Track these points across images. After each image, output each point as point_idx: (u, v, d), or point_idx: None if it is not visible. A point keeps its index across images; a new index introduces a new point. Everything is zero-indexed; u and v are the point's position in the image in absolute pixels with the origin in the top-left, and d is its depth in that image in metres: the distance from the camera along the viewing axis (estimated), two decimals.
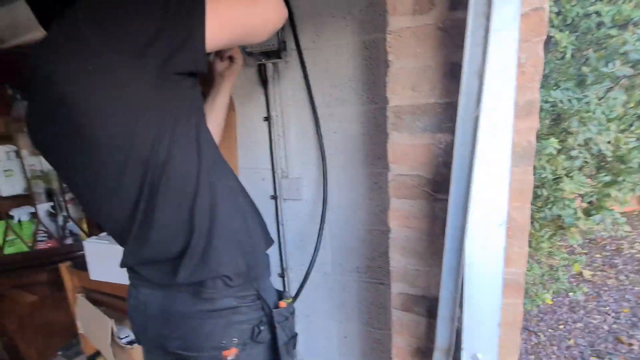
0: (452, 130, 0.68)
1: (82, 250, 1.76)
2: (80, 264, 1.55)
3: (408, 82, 0.71)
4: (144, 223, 0.68)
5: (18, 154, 1.68)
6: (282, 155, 1.40)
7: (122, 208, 0.68)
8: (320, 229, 1.33)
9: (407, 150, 0.75)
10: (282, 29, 1.24)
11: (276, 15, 0.72)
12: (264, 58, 1.27)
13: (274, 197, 1.46)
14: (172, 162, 0.64)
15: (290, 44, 1.25)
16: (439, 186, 0.74)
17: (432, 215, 0.76)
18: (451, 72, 0.68)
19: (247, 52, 1.26)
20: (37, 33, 1.46)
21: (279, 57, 1.25)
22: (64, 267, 1.56)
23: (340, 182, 1.32)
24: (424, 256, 0.79)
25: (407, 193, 0.77)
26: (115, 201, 0.67)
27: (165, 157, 0.63)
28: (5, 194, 1.73)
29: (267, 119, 1.38)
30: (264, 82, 1.33)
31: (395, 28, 0.70)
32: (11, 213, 1.77)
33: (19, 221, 1.76)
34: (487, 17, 0.58)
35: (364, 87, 1.19)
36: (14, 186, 1.78)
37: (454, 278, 0.69)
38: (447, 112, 0.69)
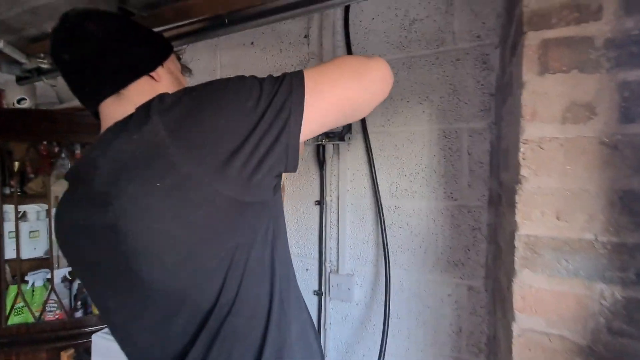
0: (626, 283, 0.47)
1: (90, 327, 1.55)
2: (83, 355, 1.34)
3: (551, 207, 0.53)
4: None
5: (48, 212, 1.59)
6: (332, 245, 1.21)
7: (165, 351, 0.50)
8: (383, 345, 1.07)
9: (546, 298, 0.53)
10: None
11: (385, 87, 0.58)
12: (324, 138, 1.15)
13: (318, 294, 1.23)
14: (239, 302, 0.48)
15: (356, 125, 1.14)
16: None
17: None
18: (622, 202, 0.49)
19: None
20: None
21: (342, 139, 1.13)
22: (65, 357, 1.35)
23: (404, 287, 1.08)
24: None
25: (543, 359, 0.53)
26: (157, 342, 0.50)
27: (233, 296, 0.48)
28: (25, 256, 1.61)
29: (320, 203, 1.21)
30: (320, 162, 1.20)
31: (535, 137, 0.53)
32: (27, 278, 1.63)
33: (32, 286, 1.61)
34: None
35: (440, 180, 1.02)
36: (37, 248, 1.66)
37: None
38: (618, 256, 0.49)
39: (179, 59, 0.77)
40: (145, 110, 0.47)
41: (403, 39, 1.06)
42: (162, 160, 0.44)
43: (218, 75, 1.44)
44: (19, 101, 1.68)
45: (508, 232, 0.63)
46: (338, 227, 1.19)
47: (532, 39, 0.54)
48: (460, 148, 0.99)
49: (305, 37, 1.22)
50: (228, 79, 0.52)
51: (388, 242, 1.09)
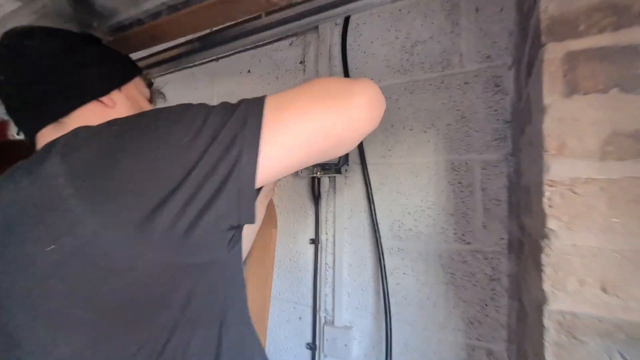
0: None
1: None
2: None
3: (594, 274, 0.38)
4: None
5: None
6: (328, 291, 1.06)
7: None
8: None
9: None
10: None
11: (373, 114, 0.46)
12: (320, 170, 1.04)
13: (312, 348, 1.07)
14: None
15: (354, 157, 1.02)
16: None
17: None
18: None
19: None
20: None
21: (339, 172, 1.01)
22: None
23: (409, 346, 0.91)
24: None
25: None
26: None
27: None
28: None
29: (315, 241, 1.08)
30: (315, 197, 1.08)
31: (564, 178, 0.40)
32: None
33: None
34: None
35: (449, 220, 0.88)
36: None
37: None
38: None
39: (149, 84, 0.70)
40: (49, 147, 0.37)
41: (405, 62, 0.97)
42: (59, 214, 0.33)
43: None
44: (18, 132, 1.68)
45: (534, 300, 0.48)
46: (334, 270, 1.05)
47: (554, 52, 0.42)
48: (473, 183, 0.85)
49: (301, 62, 1.15)
50: (168, 108, 0.42)
51: (390, 290, 0.94)
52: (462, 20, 0.89)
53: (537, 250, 0.44)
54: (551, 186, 0.41)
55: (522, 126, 0.66)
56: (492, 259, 0.82)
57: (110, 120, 0.39)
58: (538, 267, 0.44)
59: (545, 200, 0.41)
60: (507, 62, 0.82)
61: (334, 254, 1.05)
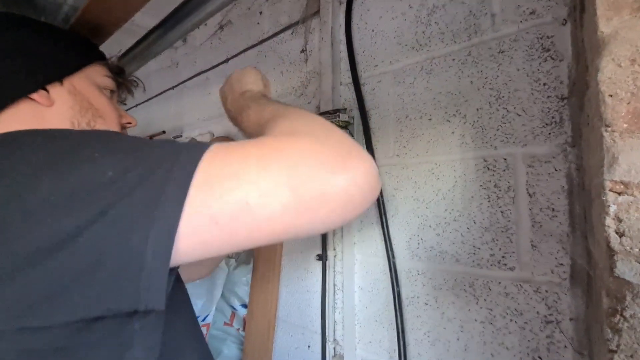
0: None
1: None
2: None
3: None
4: None
5: None
6: (338, 318, 0.89)
7: None
8: None
9: None
10: (352, 136, 0.86)
11: (351, 211, 0.34)
12: None
13: None
14: None
15: None
16: None
17: None
18: None
19: None
20: None
21: None
22: None
23: None
24: None
25: None
26: None
27: None
28: None
29: (322, 257, 0.92)
30: None
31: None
32: None
33: None
34: None
35: (483, 237, 0.65)
36: None
37: None
38: None
39: (119, 72, 0.60)
40: None
41: (420, 36, 0.77)
42: None
43: None
44: None
45: None
46: (343, 292, 0.87)
47: None
48: (515, 185, 0.62)
49: (302, 52, 1.01)
50: (82, 137, 0.33)
51: (408, 325, 0.74)
52: None
53: (602, 314, 0.23)
54: (619, 193, 0.21)
55: (581, 98, 0.43)
56: (547, 294, 0.58)
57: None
58: (603, 336, 0.23)
59: (608, 221, 0.21)
60: (560, 15, 0.59)
61: (342, 273, 0.88)
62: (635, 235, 0.21)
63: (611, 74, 0.22)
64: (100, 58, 0.55)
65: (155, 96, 1.73)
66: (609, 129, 0.22)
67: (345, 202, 0.32)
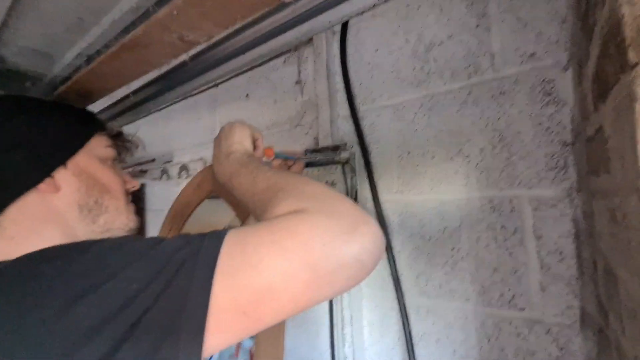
0: None
1: None
2: None
3: None
4: None
5: None
6: (348, 353, 0.89)
7: None
8: None
9: None
10: (354, 171, 0.85)
11: (359, 273, 0.36)
12: None
13: None
14: None
15: (364, 192, 0.84)
16: None
17: None
18: None
19: None
20: None
21: None
22: None
23: None
24: None
25: None
26: None
27: None
28: None
29: None
30: None
31: None
32: None
33: None
34: None
35: (492, 277, 0.66)
36: None
37: None
38: None
39: (116, 136, 0.58)
40: None
41: (418, 72, 0.76)
42: None
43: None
44: None
45: None
46: (352, 327, 0.87)
47: None
48: (522, 228, 0.63)
49: (297, 83, 0.99)
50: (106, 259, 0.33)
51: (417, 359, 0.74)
52: (490, 9, 0.66)
53: None
54: None
55: (594, 167, 0.44)
56: (558, 335, 0.60)
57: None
58: None
59: None
60: (560, 61, 0.59)
61: (350, 309, 0.88)
62: None
63: None
64: (99, 128, 0.53)
65: (142, 117, 1.67)
66: None
67: (359, 268, 0.34)
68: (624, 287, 0.30)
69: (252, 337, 1.13)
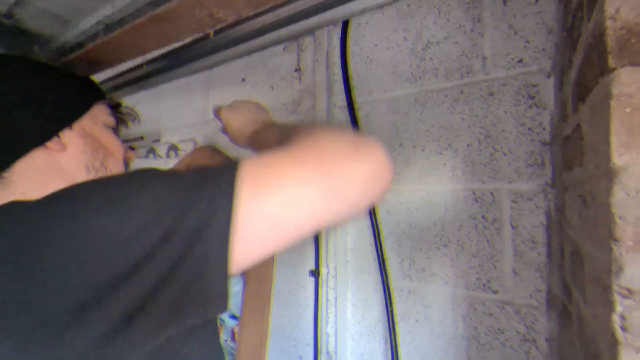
0: None
1: None
2: None
3: None
4: None
5: None
6: (331, 331, 0.94)
7: None
8: None
9: None
10: None
11: (373, 191, 0.37)
12: None
13: None
14: None
15: None
16: None
17: None
18: None
19: None
20: None
21: None
22: None
23: None
24: None
25: None
26: None
27: None
28: None
29: (315, 274, 0.96)
30: None
31: None
32: None
33: None
34: None
35: (470, 262, 0.72)
36: None
37: None
38: None
39: (116, 107, 0.59)
40: None
41: (415, 69, 0.81)
42: None
43: (209, 116, 1.28)
44: None
45: None
46: (337, 308, 0.92)
47: (630, 83, 0.27)
48: (500, 218, 0.69)
49: (296, 70, 1.01)
50: (112, 185, 0.33)
51: (400, 339, 0.80)
52: (485, 15, 0.72)
53: None
54: (626, 297, 0.26)
55: (568, 162, 0.50)
56: (525, 315, 0.66)
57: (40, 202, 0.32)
58: None
59: (616, 322, 0.26)
60: (544, 68, 0.65)
61: (336, 289, 0.92)
62: (637, 332, 0.26)
63: (620, 201, 0.27)
64: (102, 96, 0.54)
65: (129, 95, 1.63)
66: (617, 243, 0.27)
67: (367, 182, 0.36)
68: (588, 259, 0.36)
69: (234, 317, 1.16)
